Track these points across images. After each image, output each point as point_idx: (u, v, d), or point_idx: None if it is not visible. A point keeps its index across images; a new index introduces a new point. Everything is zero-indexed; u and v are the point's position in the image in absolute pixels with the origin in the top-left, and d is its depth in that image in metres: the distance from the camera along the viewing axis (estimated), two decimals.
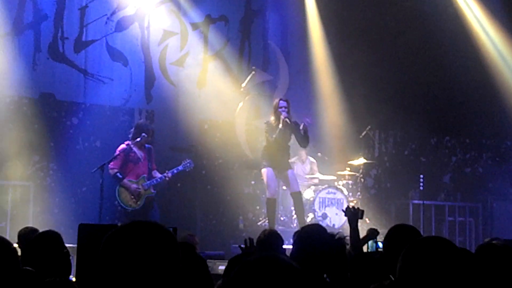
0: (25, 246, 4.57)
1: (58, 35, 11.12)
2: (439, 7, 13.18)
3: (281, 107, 9.92)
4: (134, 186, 9.68)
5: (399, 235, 3.77)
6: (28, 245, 4.39)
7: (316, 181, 11.61)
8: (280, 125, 9.81)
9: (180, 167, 9.93)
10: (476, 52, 13.37)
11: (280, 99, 10.13)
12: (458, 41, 13.27)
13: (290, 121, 9.85)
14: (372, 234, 5.60)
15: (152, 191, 9.84)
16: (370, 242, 5.76)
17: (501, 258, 3.70)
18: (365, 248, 5.56)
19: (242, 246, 5.25)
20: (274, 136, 9.85)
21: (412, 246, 2.32)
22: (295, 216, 10.96)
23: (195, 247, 7.37)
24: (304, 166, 11.71)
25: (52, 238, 4.26)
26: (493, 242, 5.55)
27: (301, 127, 9.98)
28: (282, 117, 9.81)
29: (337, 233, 4.03)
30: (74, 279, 4.95)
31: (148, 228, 2.03)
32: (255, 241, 5.63)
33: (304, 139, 10.05)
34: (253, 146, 12.23)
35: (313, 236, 3.94)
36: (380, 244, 3.72)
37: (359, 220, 4.82)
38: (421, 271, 2.19)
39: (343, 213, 4.50)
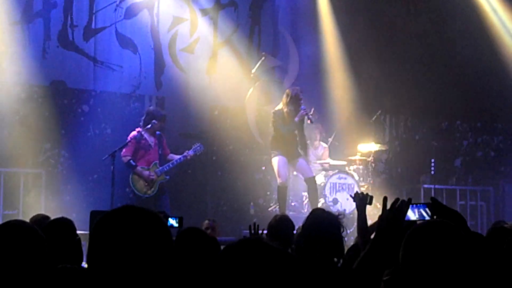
0: None
1: (68, 23, 11.13)
2: None
3: (301, 99, 9.87)
4: (146, 173, 9.73)
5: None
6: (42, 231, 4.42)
7: (326, 166, 11.60)
8: (297, 118, 9.79)
9: (190, 152, 9.98)
10: (488, 35, 13.27)
11: (301, 91, 10.03)
12: (470, 24, 13.18)
13: (308, 117, 9.83)
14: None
15: (166, 177, 9.89)
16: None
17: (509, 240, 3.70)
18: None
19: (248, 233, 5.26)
20: (284, 130, 9.84)
21: (413, 232, 2.30)
22: (306, 201, 10.98)
23: (212, 232, 7.45)
24: (316, 151, 11.69)
25: (64, 225, 4.28)
26: (504, 225, 5.53)
27: (311, 113, 10.00)
28: (302, 112, 9.78)
29: (338, 214, 4.04)
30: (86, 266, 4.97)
31: (135, 212, 2.06)
32: (266, 226, 5.65)
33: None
34: (263, 132, 12.22)
35: (315, 220, 3.97)
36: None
37: (370, 206, 4.83)
38: (422, 257, 2.17)
39: (352, 199, 4.47)
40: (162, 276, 2.01)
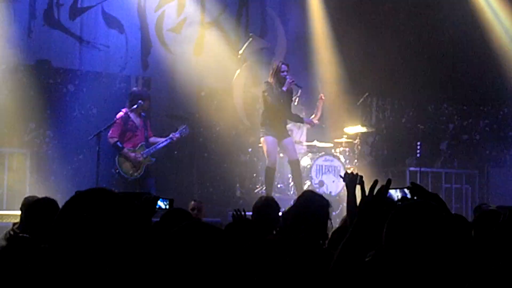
0: (24, 214, 4.59)
1: (54, 2, 11.03)
2: None
3: (283, 71, 9.84)
4: (133, 155, 9.69)
5: None
6: (25, 212, 4.40)
7: (313, 148, 11.59)
8: (285, 88, 9.75)
9: (176, 134, 9.95)
10: (475, 18, 13.27)
11: (282, 63, 10.03)
12: (458, 7, 13.16)
13: (297, 84, 9.81)
14: (389, 207, 5.52)
15: (152, 159, 9.86)
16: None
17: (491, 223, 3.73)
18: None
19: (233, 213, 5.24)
20: (274, 98, 9.76)
21: (397, 212, 2.30)
22: (292, 183, 10.98)
23: (198, 213, 7.46)
24: (300, 131, 11.66)
25: (48, 204, 4.26)
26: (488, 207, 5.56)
27: (298, 94, 10.00)
28: (288, 80, 9.73)
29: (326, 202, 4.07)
30: None
31: (100, 193, 2.20)
32: (251, 208, 5.65)
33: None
34: (250, 114, 12.20)
35: (306, 201, 4.00)
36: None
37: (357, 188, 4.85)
38: (406, 237, 2.17)
39: (341, 179, 4.48)
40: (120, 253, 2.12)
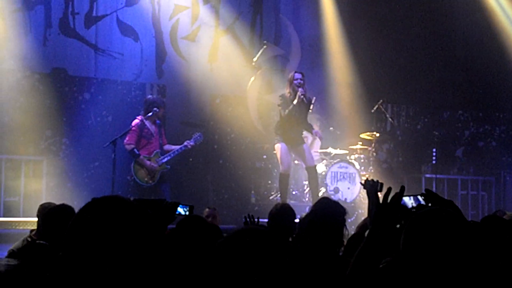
0: (41, 220, 4.61)
1: (69, 11, 11.10)
2: None
3: (296, 79, 9.81)
4: (148, 163, 9.72)
5: None
6: (43, 219, 4.43)
7: (328, 155, 11.57)
8: (295, 101, 9.74)
9: (191, 142, 9.96)
10: (490, 24, 13.21)
11: (296, 72, 10.02)
12: (472, 13, 13.12)
13: (306, 98, 9.77)
14: (403, 214, 5.49)
15: (167, 166, 9.88)
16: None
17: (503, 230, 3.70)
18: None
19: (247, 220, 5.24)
20: (287, 111, 9.77)
21: (415, 219, 2.29)
22: (307, 190, 10.96)
23: (213, 220, 7.46)
24: (316, 140, 11.65)
25: (65, 211, 4.28)
26: (504, 215, 5.52)
27: (312, 102, 9.97)
28: (298, 93, 9.71)
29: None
30: None
31: (109, 201, 2.16)
32: (267, 215, 5.64)
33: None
34: (265, 121, 12.21)
35: (324, 207, 3.99)
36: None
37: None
38: (424, 244, 2.15)
39: (362, 186, 4.48)
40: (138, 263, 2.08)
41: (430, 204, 3.15)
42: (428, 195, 3.20)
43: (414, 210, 3.20)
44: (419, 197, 3.25)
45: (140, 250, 2.09)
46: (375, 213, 2.91)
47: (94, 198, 2.21)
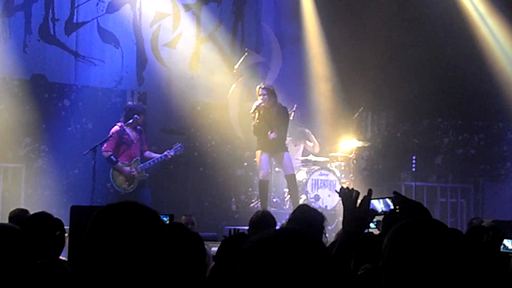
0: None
1: (49, 17, 11.05)
2: None
3: (260, 95, 9.98)
4: (127, 169, 9.68)
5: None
6: (21, 226, 4.38)
7: (309, 162, 11.61)
8: (251, 111, 9.92)
9: (171, 152, 9.93)
10: (469, 33, 13.34)
11: (260, 87, 10.11)
12: (451, 22, 13.23)
13: (266, 108, 9.86)
14: (372, 217, 5.54)
15: (145, 174, 9.86)
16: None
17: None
18: None
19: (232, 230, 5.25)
20: (253, 123, 9.97)
21: (402, 227, 2.28)
22: (287, 197, 10.98)
23: (192, 226, 7.45)
24: (297, 148, 11.70)
25: (44, 219, 4.26)
26: (482, 223, 5.58)
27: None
28: (255, 103, 9.91)
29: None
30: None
31: (136, 209, 2.01)
32: (247, 222, 5.64)
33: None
34: (245, 128, 12.20)
35: (301, 215, 4.01)
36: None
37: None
38: (411, 253, 2.15)
39: (337, 194, 4.49)
40: (159, 274, 1.95)
41: (398, 207, 3.18)
42: (396, 198, 3.22)
43: (383, 213, 3.24)
44: (387, 200, 3.26)
45: (163, 263, 1.97)
46: (344, 217, 2.96)
47: (99, 209, 2.03)
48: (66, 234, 4.62)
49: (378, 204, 3.25)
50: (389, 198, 3.26)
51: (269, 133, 9.91)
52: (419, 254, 2.15)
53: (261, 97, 9.96)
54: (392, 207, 3.22)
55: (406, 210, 3.07)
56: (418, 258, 2.14)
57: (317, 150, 11.68)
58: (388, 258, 2.18)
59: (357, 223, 2.89)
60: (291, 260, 1.70)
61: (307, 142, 11.73)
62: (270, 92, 9.97)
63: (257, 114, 9.96)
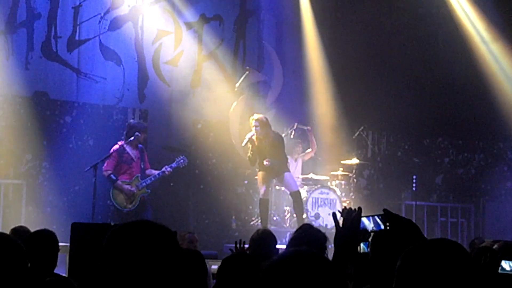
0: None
1: (52, 34, 11.10)
2: (433, 9, 13.24)
3: (253, 126, 10.07)
4: (127, 187, 9.66)
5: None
6: (24, 243, 4.38)
7: (309, 181, 11.62)
8: (243, 143, 10.12)
9: (174, 164, 9.93)
10: (470, 53, 13.40)
11: (253, 119, 10.19)
12: (452, 43, 13.31)
13: (259, 139, 10.00)
14: (363, 237, 5.55)
15: (147, 190, 9.84)
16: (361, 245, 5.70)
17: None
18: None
19: (233, 248, 5.23)
20: (248, 155, 10.17)
21: (417, 247, 2.23)
22: (288, 216, 10.99)
23: (194, 244, 7.43)
24: (296, 163, 11.70)
25: (46, 236, 4.26)
26: (482, 242, 5.57)
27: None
28: (247, 135, 10.05)
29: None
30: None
31: (152, 228, 2.05)
32: (248, 240, 5.64)
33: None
34: (246, 146, 12.22)
35: (303, 234, 4.02)
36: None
37: None
38: (428, 275, 2.10)
39: (339, 214, 4.49)
40: None
41: (388, 224, 3.15)
42: (386, 215, 3.20)
43: (373, 232, 3.22)
44: (376, 218, 3.23)
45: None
46: (335, 236, 2.97)
47: (114, 226, 2.02)
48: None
49: (368, 223, 3.23)
50: (379, 215, 3.25)
51: (264, 162, 10.03)
52: (437, 277, 2.10)
53: (253, 128, 10.03)
54: (382, 225, 3.21)
55: (397, 228, 3.06)
56: (435, 280, 2.09)
57: (314, 151, 11.72)
58: (402, 280, 2.14)
59: (347, 241, 2.92)
60: (309, 282, 1.79)
61: (305, 152, 11.74)
62: (262, 124, 10.08)
63: (250, 146, 10.12)
